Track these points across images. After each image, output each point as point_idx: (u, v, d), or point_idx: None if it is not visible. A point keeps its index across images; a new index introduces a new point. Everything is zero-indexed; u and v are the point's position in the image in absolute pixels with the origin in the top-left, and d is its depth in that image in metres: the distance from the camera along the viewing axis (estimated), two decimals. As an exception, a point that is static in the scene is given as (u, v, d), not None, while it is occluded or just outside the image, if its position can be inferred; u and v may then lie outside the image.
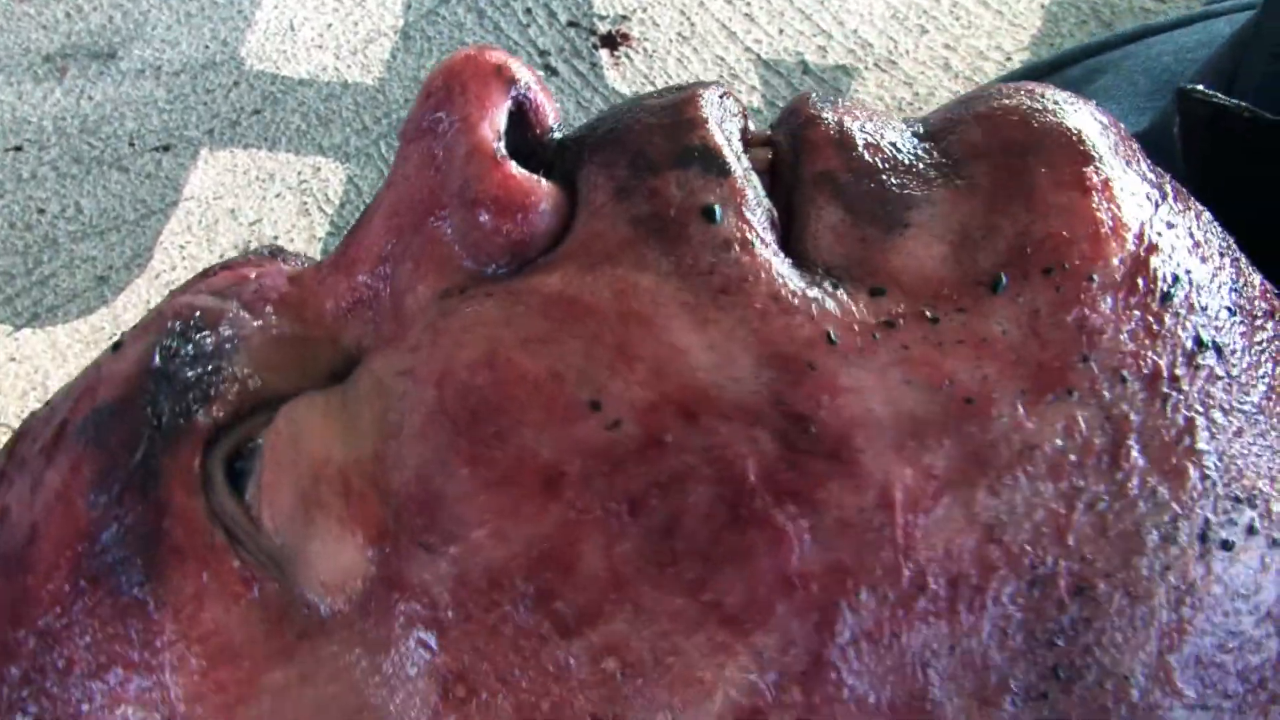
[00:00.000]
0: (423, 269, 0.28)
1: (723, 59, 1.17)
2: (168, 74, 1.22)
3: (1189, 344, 0.25)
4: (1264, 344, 0.26)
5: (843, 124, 0.27)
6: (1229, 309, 0.26)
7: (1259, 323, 0.26)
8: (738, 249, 0.26)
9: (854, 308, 0.25)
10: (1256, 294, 0.26)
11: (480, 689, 0.24)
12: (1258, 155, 0.33)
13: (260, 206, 1.12)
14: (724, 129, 0.28)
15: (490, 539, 0.24)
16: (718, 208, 0.26)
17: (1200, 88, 0.34)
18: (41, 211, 1.13)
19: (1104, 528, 0.24)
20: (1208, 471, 0.25)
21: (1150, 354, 0.25)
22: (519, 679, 0.24)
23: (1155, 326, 0.25)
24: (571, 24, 1.21)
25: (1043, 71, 0.60)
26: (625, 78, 1.17)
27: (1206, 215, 0.27)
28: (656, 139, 0.27)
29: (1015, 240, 0.25)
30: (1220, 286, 0.26)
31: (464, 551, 0.25)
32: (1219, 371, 0.25)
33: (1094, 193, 0.26)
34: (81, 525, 0.27)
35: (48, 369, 1.03)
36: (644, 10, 1.22)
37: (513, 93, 0.28)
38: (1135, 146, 0.27)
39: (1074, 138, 0.26)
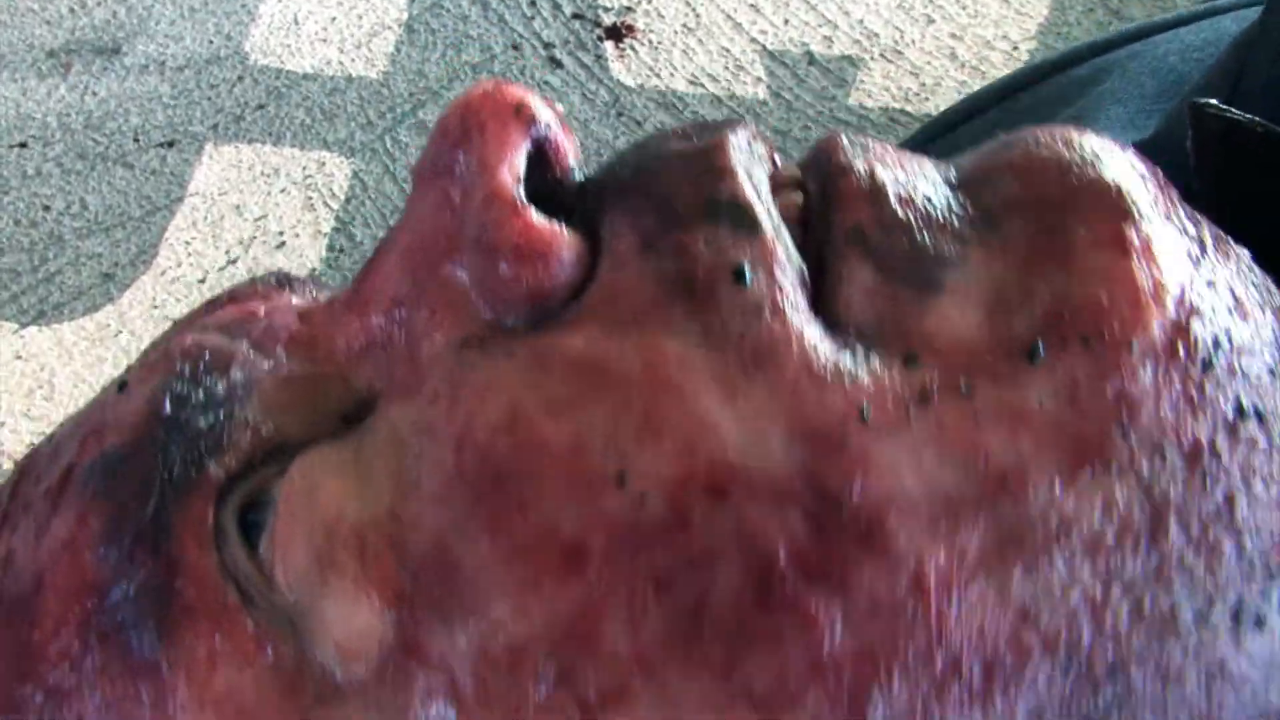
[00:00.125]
0: (439, 316, 0.27)
1: (728, 50, 1.17)
2: (172, 69, 1.21)
3: (1230, 413, 0.24)
4: None
5: (874, 175, 0.26)
6: (1271, 370, 0.25)
7: None
8: (769, 315, 0.25)
9: (887, 379, 0.24)
10: None
11: None
12: (1271, 169, 0.33)
13: (265, 202, 1.12)
14: (754, 178, 0.27)
15: (510, 613, 0.24)
16: (748, 268, 0.25)
17: (1213, 102, 0.34)
18: (47, 208, 1.13)
19: (1140, 609, 0.23)
20: (1245, 548, 0.24)
21: (1191, 425, 0.24)
22: None
23: (1196, 396, 0.24)
24: (576, 16, 1.20)
25: (1050, 70, 0.59)
26: (630, 70, 1.17)
27: (1245, 260, 0.26)
28: (684, 189, 0.26)
29: (1052, 306, 0.24)
30: (1262, 347, 0.25)
31: (484, 626, 0.24)
32: (1260, 440, 0.24)
33: (1134, 254, 0.24)
34: (90, 579, 0.26)
35: (54, 367, 1.03)
36: (648, 1, 1.21)
37: (533, 133, 0.27)
38: (1174, 195, 0.26)
39: (1112, 193, 0.25)
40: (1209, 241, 0.26)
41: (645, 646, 0.23)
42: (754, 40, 1.17)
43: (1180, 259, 0.25)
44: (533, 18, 1.20)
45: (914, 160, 0.27)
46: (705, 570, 0.23)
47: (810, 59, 1.16)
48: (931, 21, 1.16)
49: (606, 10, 1.21)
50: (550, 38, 1.19)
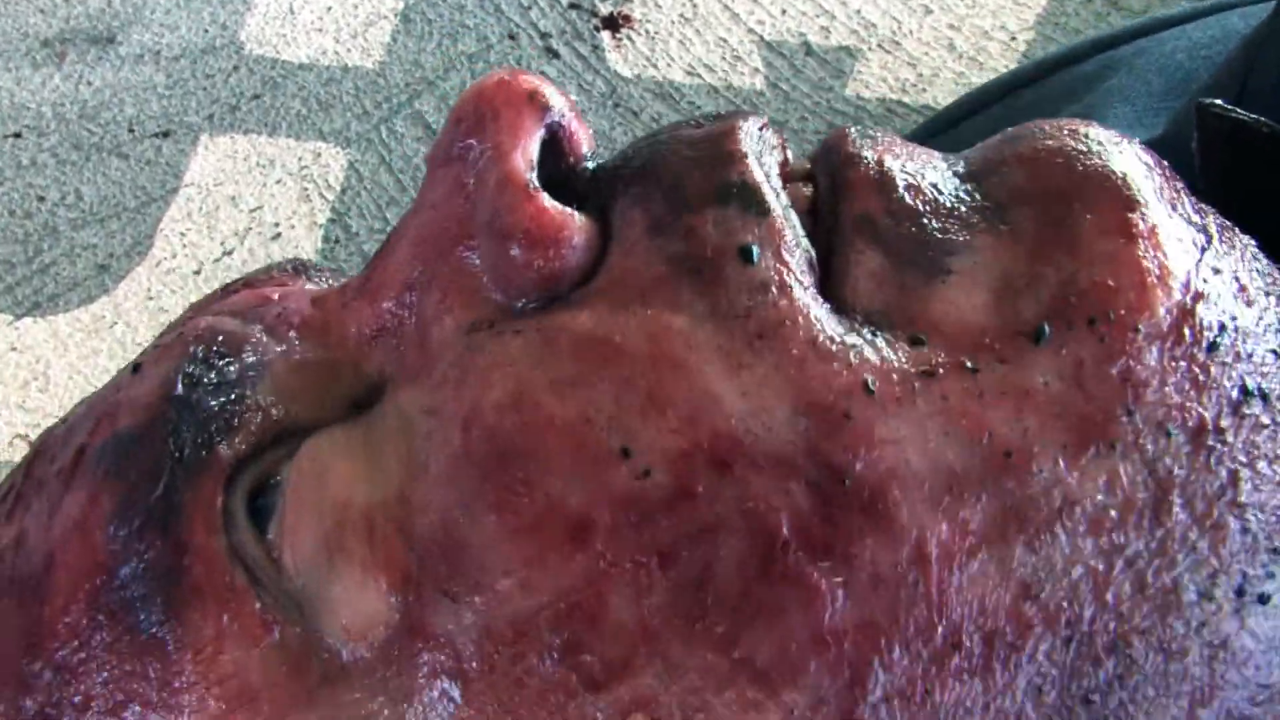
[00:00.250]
0: (449, 300, 0.27)
1: (725, 40, 1.16)
2: (167, 59, 1.21)
3: (1235, 393, 0.24)
4: None
5: (883, 164, 0.26)
6: (1275, 353, 0.25)
7: None
8: (775, 292, 0.25)
9: (893, 356, 0.24)
10: None
11: None
12: (1277, 169, 0.33)
13: (261, 193, 1.11)
14: (763, 164, 0.27)
15: (516, 589, 0.24)
16: (755, 248, 0.25)
17: (1219, 102, 0.34)
18: (41, 199, 1.12)
19: (1143, 585, 0.24)
20: (1249, 525, 0.24)
21: (1196, 406, 0.24)
22: None
23: (1201, 377, 0.24)
24: (573, 6, 1.20)
25: (1055, 65, 0.59)
26: (627, 60, 1.16)
27: (1251, 250, 0.26)
28: (694, 174, 0.27)
29: (1059, 290, 0.25)
30: (1266, 330, 0.25)
31: (489, 601, 0.24)
32: (1265, 420, 0.24)
33: (1140, 240, 0.25)
34: (100, 558, 0.26)
35: (49, 358, 1.03)
36: (646, -9, 1.21)
37: (546, 120, 0.27)
38: (1179, 186, 0.26)
39: (1118, 182, 0.25)
40: (1215, 230, 0.26)
41: (649, 619, 0.23)
42: (751, 31, 1.17)
43: (1186, 245, 0.25)
44: (529, 7, 1.20)
45: (922, 151, 0.27)
46: (709, 543, 0.23)
47: (808, 49, 1.15)
48: (929, 12, 1.16)
49: (603, 0, 1.20)
50: (547, 28, 1.19)
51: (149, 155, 1.15)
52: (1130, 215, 0.25)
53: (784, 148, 0.28)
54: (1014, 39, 1.14)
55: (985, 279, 0.25)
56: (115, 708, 0.26)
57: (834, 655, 0.23)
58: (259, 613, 0.25)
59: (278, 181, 1.12)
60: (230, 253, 1.08)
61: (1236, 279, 0.26)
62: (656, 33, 1.18)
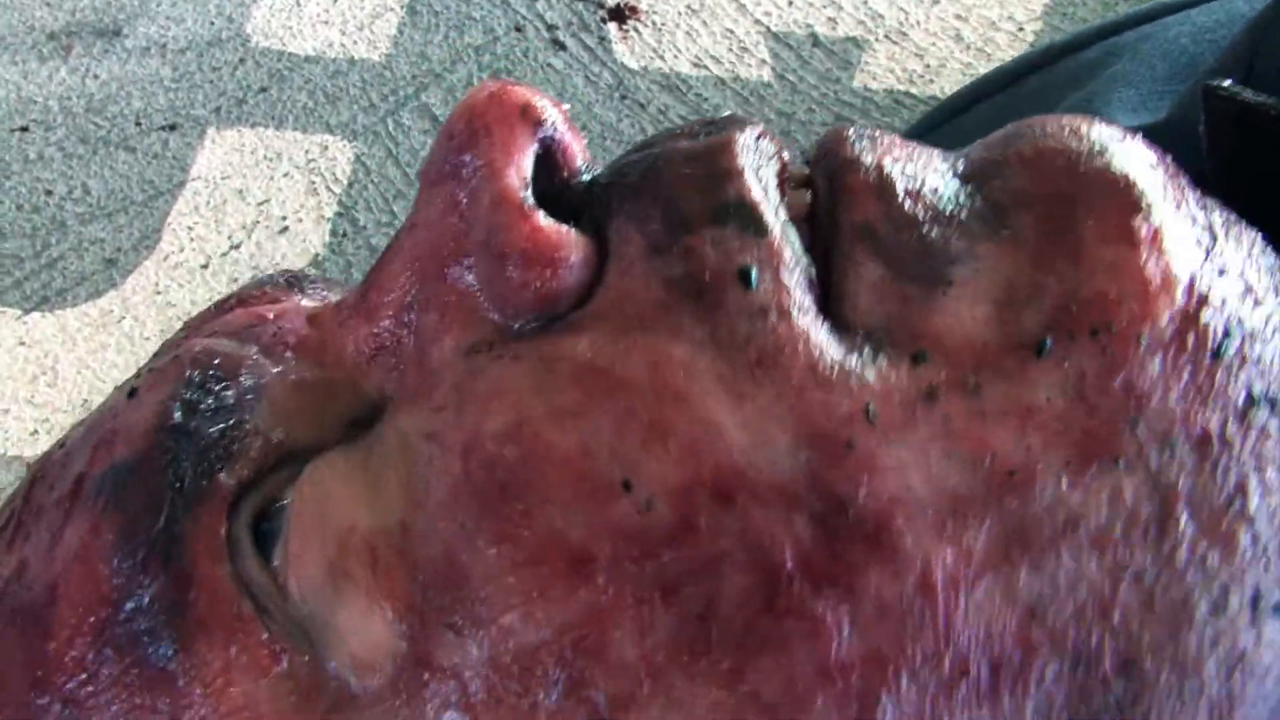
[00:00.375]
0: (447, 321, 0.27)
1: (732, 31, 1.16)
2: (173, 52, 1.21)
3: (1241, 401, 0.24)
4: None
5: (882, 168, 0.26)
6: None
7: None
8: (774, 317, 0.24)
9: (894, 378, 0.24)
10: None
11: None
12: None
13: (268, 187, 1.11)
14: (761, 179, 0.26)
15: (519, 623, 0.24)
16: (754, 271, 0.25)
17: (1227, 84, 0.33)
18: (49, 193, 1.13)
19: (1151, 601, 0.23)
20: (1259, 535, 0.24)
21: (1201, 415, 0.24)
22: None
23: (1206, 385, 0.24)
24: (579, -3, 1.20)
25: (1060, 52, 0.59)
26: (634, 52, 1.16)
27: (1259, 245, 0.26)
28: (690, 192, 0.26)
29: (1061, 300, 0.24)
30: (1274, 333, 0.25)
31: (493, 635, 0.24)
32: (1272, 427, 0.24)
33: (1142, 246, 0.24)
34: (104, 591, 0.26)
35: (57, 353, 1.03)
36: (652, -17, 1.21)
37: (540, 134, 0.27)
38: (1184, 182, 0.26)
39: (1121, 184, 0.25)
40: (1220, 228, 0.26)
41: (653, 653, 0.23)
42: (758, 22, 1.16)
43: (1190, 248, 0.25)
44: (535, -1, 1.20)
45: (921, 152, 0.27)
46: (712, 576, 0.23)
47: (815, 40, 1.15)
48: (936, 2, 1.15)
49: (610, -9, 1.20)
50: (553, 19, 1.18)
51: (156, 149, 1.15)
52: (1132, 219, 0.25)
53: (781, 156, 0.28)
54: (1021, 29, 1.13)
55: (987, 289, 0.24)
56: None
57: (841, 688, 0.23)
58: (266, 642, 0.25)
59: (285, 175, 1.12)
60: (238, 246, 1.08)
61: (1243, 278, 0.25)
62: (663, 24, 1.17)
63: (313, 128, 1.14)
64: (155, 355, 0.31)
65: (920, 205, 0.25)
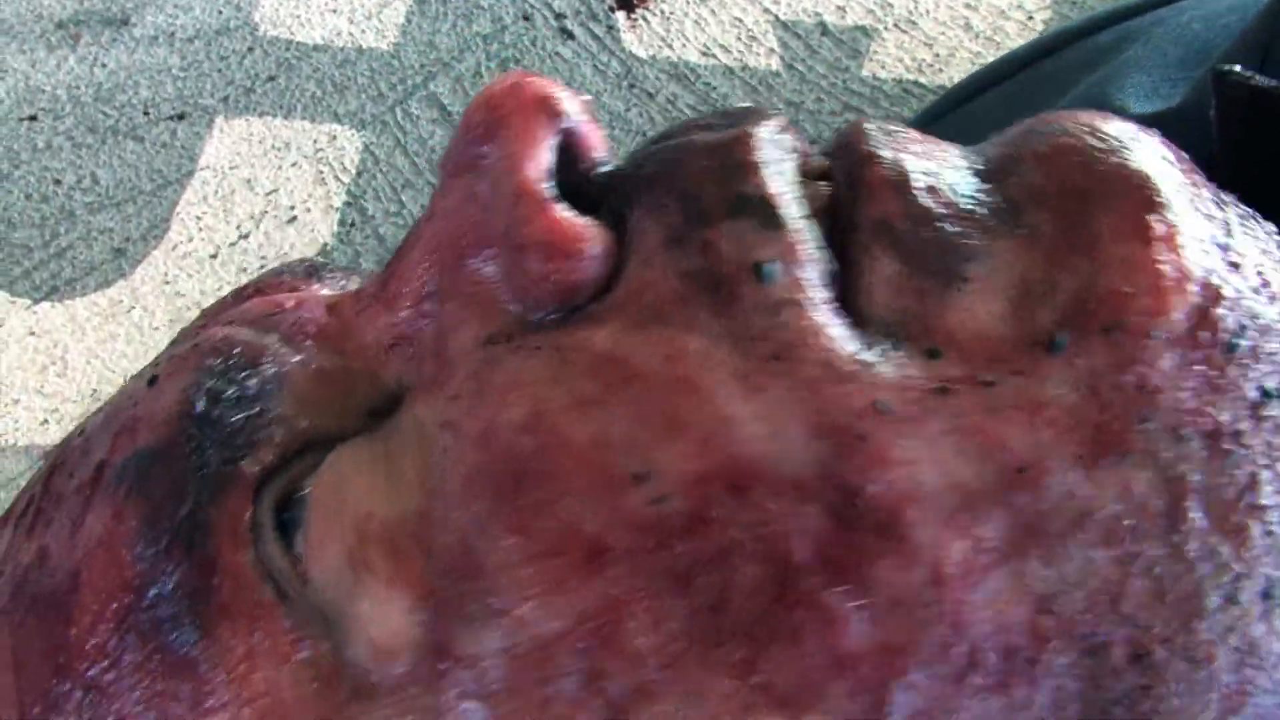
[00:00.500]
0: (466, 311, 0.27)
1: (740, 20, 1.16)
2: (181, 40, 1.21)
3: (1254, 395, 0.24)
4: None
5: (900, 164, 0.26)
6: None
7: None
8: (791, 311, 0.25)
9: (908, 372, 0.24)
10: None
11: None
12: None
13: (276, 176, 1.11)
14: (779, 172, 0.26)
15: (536, 613, 0.24)
16: (770, 265, 0.25)
17: (1238, 68, 0.33)
18: (58, 182, 1.13)
19: (1162, 592, 0.23)
20: (1271, 527, 0.24)
21: (1213, 410, 0.24)
22: None
23: (1219, 381, 0.24)
24: (587, -14, 1.20)
25: (1073, 37, 0.59)
26: (642, 41, 1.16)
27: (1274, 241, 0.26)
28: (709, 184, 0.26)
29: (1075, 296, 0.24)
30: None
31: (510, 624, 0.24)
32: None
33: (1156, 243, 0.24)
34: (127, 577, 0.26)
35: (67, 343, 1.03)
36: (660, -29, 1.21)
37: (560, 126, 0.27)
38: (1200, 179, 0.26)
39: (1137, 182, 0.25)
40: (1235, 223, 0.26)
41: (668, 644, 0.23)
42: (766, 10, 1.16)
43: (1205, 245, 0.25)
44: (544, -12, 1.19)
45: (940, 148, 0.27)
46: (725, 567, 0.23)
47: (823, 29, 1.15)
48: (946, -9, 1.15)
49: (618, -20, 1.20)
50: (561, 8, 1.18)
51: (164, 138, 1.15)
52: (1148, 217, 0.25)
53: (800, 148, 0.28)
54: (1031, 18, 1.13)
55: (1002, 286, 0.25)
56: None
57: (853, 679, 0.23)
58: (288, 630, 0.25)
59: (293, 164, 1.12)
60: (246, 236, 1.08)
61: (1259, 274, 0.25)
62: (671, 13, 1.17)
63: (321, 117, 1.14)
64: (174, 343, 0.31)
65: (938, 201, 0.26)
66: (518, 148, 0.26)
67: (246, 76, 1.18)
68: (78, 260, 1.08)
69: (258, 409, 0.27)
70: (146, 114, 1.17)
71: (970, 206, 0.26)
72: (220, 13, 1.22)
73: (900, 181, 0.26)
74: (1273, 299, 0.25)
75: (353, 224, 1.08)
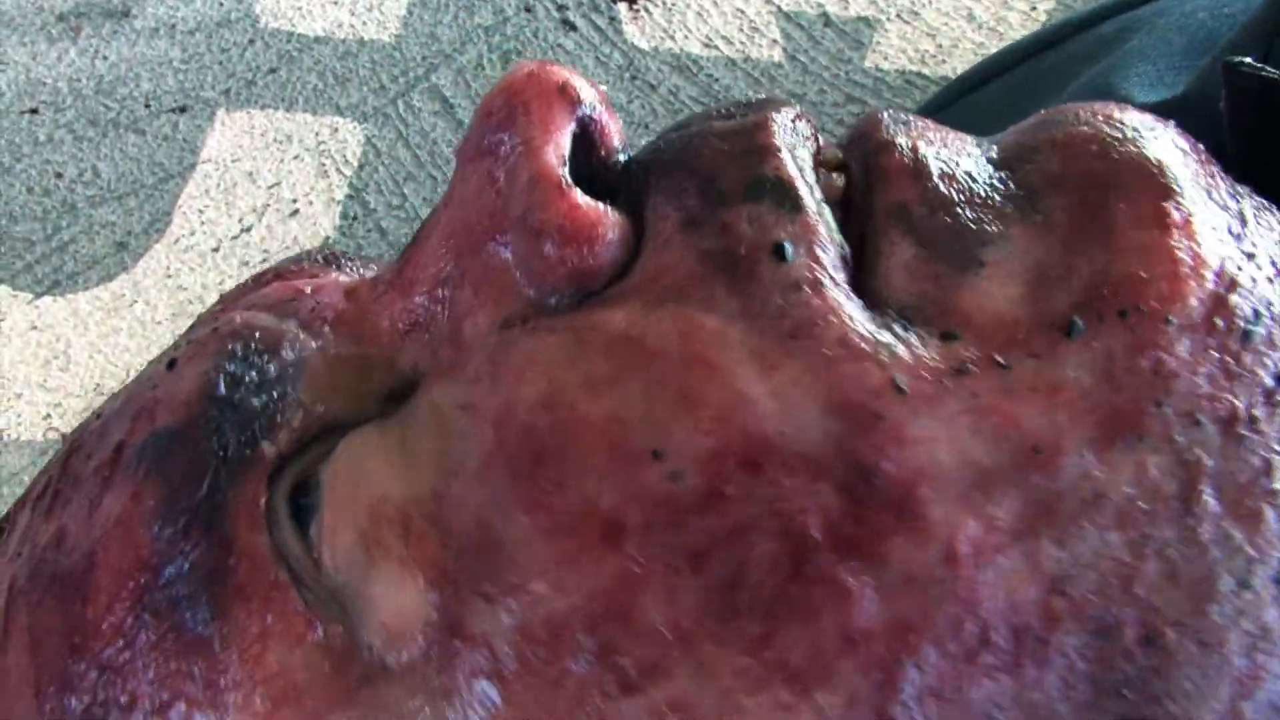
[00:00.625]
0: (482, 296, 0.27)
1: (743, 11, 1.15)
2: (182, 33, 1.21)
3: (1269, 381, 0.24)
4: None
5: (917, 150, 0.26)
6: None
7: None
8: (808, 290, 0.25)
9: (925, 353, 0.24)
10: None
11: None
12: None
13: (279, 169, 1.11)
14: (797, 158, 0.27)
15: (550, 590, 0.24)
16: (789, 245, 0.25)
17: (1248, 60, 0.34)
18: (59, 176, 1.12)
19: (1174, 575, 0.23)
20: None
21: (1228, 396, 0.24)
22: None
23: (1234, 367, 0.24)
24: (589, -23, 1.19)
25: (1075, 28, 0.59)
26: (644, 32, 1.15)
27: None
28: (727, 168, 0.26)
29: (1091, 281, 0.24)
30: None
31: (524, 602, 0.24)
32: None
33: (1174, 230, 0.25)
34: (144, 556, 0.26)
35: (69, 337, 1.03)
36: (662, -38, 1.20)
37: (578, 113, 0.27)
38: (1215, 170, 0.26)
39: (1154, 170, 0.25)
40: (1250, 214, 0.26)
41: (682, 620, 0.23)
42: (769, 1, 1.16)
43: (1221, 233, 0.25)
44: (545, -21, 1.19)
45: (955, 136, 0.27)
46: (740, 544, 0.23)
47: (826, 20, 1.14)
48: (949, -18, 1.15)
49: (620, -29, 1.20)
50: (563, -1, 1.18)
51: (166, 131, 1.15)
52: (1165, 204, 0.25)
53: (816, 137, 0.28)
54: (1034, 9, 1.13)
55: (1019, 270, 0.25)
56: (161, 707, 0.26)
57: (866, 655, 0.23)
58: (302, 612, 0.25)
59: (295, 157, 1.12)
60: (248, 229, 1.08)
61: (1274, 262, 0.25)
62: (673, 4, 1.17)
63: (323, 109, 1.14)
64: (192, 327, 0.32)
65: (954, 188, 0.26)
66: (536, 133, 0.27)
67: (248, 69, 1.18)
68: (80, 254, 1.08)
69: (276, 393, 0.27)
70: (148, 107, 1.16)
71: (986, 193, 0.26)
72: (221, 5, 1.22)
73: (917, 168, 0.26)
74: None
75: (355, 217, 1.08)
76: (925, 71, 1.11)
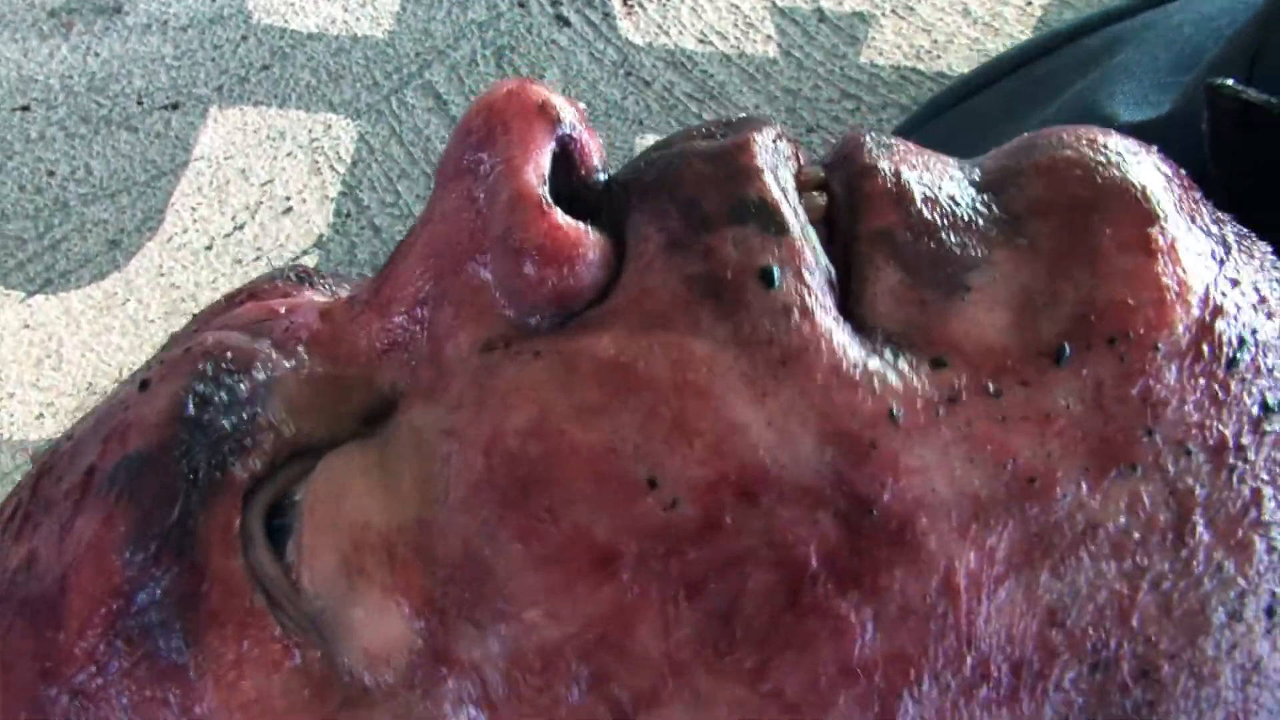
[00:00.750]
0: (462, 316, 0.27)
1: (737, 7, 1.15)
2: (175, 29, 1.20)
3: (1255, 410, 0.24)
4: None
5: (899, 175, 0.26)
6: None
7: None
8: (797, 316, 0.25)
9: (916, 381, 0.24)
10: None
11: None
12: None
13: (272, 166, 1.11)
14: (780, 179, 0.26)
15: (543, 618, 0.24)
16: (776, 270, 0.25)
17: (1230, 82, 0.34)
18: (51, 174, 1.12)
19: (1169, 607, 0.23)
20: (1275, 543, 0.24)
21: (1216, 424, 0.24)
22: None
23: (1221, 395, 0.24)
24: (583, -28, 1.19)
25: (1063, 40, 0.59)
26: (638, 28, 1.15)
27: (1270, 258, 0.26)
28: (710, 190, 0.26)
29: (1078, 308, 0.24)
30: None
31: (515, 630, 0.24)
32: None
33: (1159, 256, 0.25)
34: (115, 583, 0.26)
35: (61, 336, 1.03)
36: (657, -43, 1.20)
37: (557, 133, 0.27)
38: (1198, 196, 0.26)
39: (1137, 195, 0.25)
40: (1233, 241, 0.26)
41: (677, 651, 0.23)
42: (764, -4, 1.15)
43: (1205, 259, 0.25)
44: (539, -25, 1.19)
45: (938, 160, 0.27)
46: (736, 574, 0.23)
47: (821, 16, 1.14)
48: (944, -23, 1.14)
49: (614, -34, 1.19)
50: (557, -5, 1.18)
51: (158, 128, 1.14)
52: (1149, 230, 0.25)
53: (797, 157, 0.28)
54: (1029, 4, 1.12)
55: (1005, 296, 0.25)
56: None
57: (863, 688, 0.23)
58: (279, 637, 0.25)
59: (288, 154, 1.11)
60: (241, 227, 1.08)
61: (1256, 290, 0.25)
62: (668, 0, 1.17)
63: (316, 106, 1.14)
64: (164, 347, 0.31)
65: (938, 212, 0.26)
66: (516, 153, 0.26)
67: (241, 65, 1.17)
68: (72, 252, 1.07)
69: (248, 414, 0.27)
70: (140, 104, 1.16)
71: (970, 217, 0.26)
72: (213, 1, 1.22)
73: (900, 193, 0.26)
74: (1270, 315, 0.25)
75: (348, 214, 1.07)
76: (920, 67, 1.11)
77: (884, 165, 0.26)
